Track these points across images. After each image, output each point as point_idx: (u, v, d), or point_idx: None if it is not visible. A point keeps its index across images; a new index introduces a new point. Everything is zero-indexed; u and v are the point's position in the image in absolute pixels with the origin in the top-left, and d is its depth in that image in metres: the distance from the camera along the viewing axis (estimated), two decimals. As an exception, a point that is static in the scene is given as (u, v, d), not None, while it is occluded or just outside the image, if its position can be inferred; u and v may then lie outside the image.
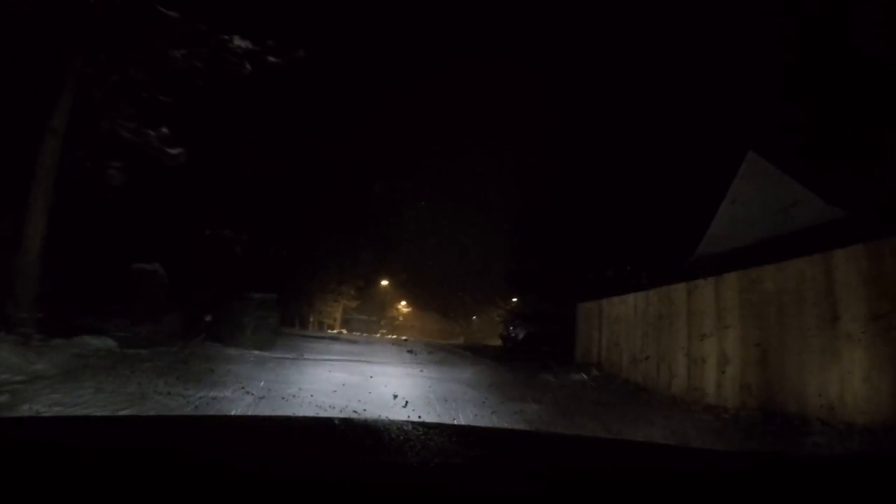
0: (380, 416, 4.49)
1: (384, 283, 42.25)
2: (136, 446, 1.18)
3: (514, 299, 46.39)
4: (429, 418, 4.93)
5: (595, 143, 18.07)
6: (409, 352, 15.06)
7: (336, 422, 1.86)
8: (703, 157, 17.38)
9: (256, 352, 10.72)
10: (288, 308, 35.82)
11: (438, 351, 17.94)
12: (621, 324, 11.07)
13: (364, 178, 38.61)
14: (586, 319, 13.38)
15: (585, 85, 18.51)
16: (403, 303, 47.36)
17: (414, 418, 3.69)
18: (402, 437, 1.42)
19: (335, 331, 36.79)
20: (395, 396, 6.07)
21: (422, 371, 9.88)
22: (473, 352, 18.88)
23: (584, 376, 10.71)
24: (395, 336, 37.98)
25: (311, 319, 37.41)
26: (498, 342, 38.21)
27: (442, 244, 45.00)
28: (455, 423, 5.02)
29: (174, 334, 10.65)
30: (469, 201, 53.16)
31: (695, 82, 30.44)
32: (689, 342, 8.29)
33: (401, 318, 46.58)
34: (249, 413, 4.88)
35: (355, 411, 5.12)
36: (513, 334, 20.07)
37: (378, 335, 37.95)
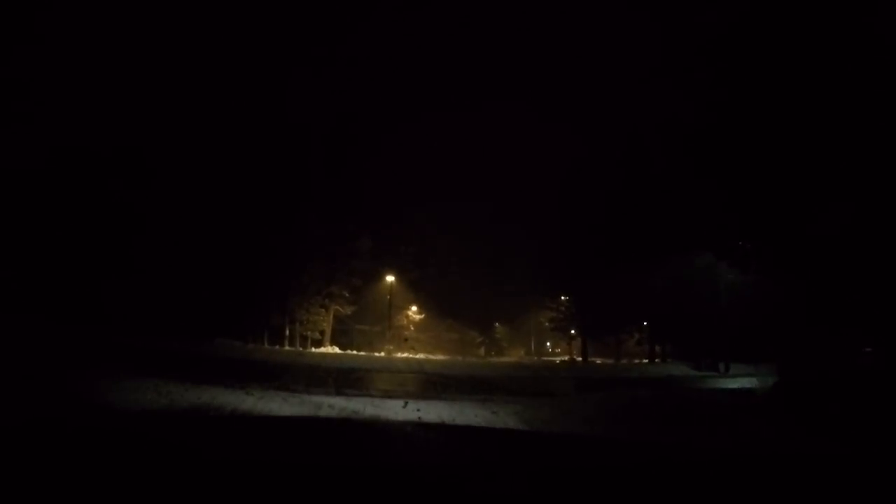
0: (379, 416, 4.85)
1: (389, 278, 31.90)
2: (134, 445, 1.22)
3: (564, 297, 36.28)
4: (428, 418, 4.84)
5: None
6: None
7: (336, 422, 2.04)
8: None
9: None
10: (250, 318, 25.91)
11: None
12: None
13: (354, 135, 28.75)
14: None
15: None
16: (414, 308, 37.16)
17: (413, 418, 4.11)
18: (401, 438, 1.51)
19: (324, 348, 26.87)
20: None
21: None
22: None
23: None
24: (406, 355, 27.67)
25: (288, 333, 27.33)
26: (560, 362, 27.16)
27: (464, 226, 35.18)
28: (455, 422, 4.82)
29: None
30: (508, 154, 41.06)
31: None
32: None
33: (411, 328, 36.28)
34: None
35: (355, 411, 5.34)
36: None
37: (382, 353, 27.71)
